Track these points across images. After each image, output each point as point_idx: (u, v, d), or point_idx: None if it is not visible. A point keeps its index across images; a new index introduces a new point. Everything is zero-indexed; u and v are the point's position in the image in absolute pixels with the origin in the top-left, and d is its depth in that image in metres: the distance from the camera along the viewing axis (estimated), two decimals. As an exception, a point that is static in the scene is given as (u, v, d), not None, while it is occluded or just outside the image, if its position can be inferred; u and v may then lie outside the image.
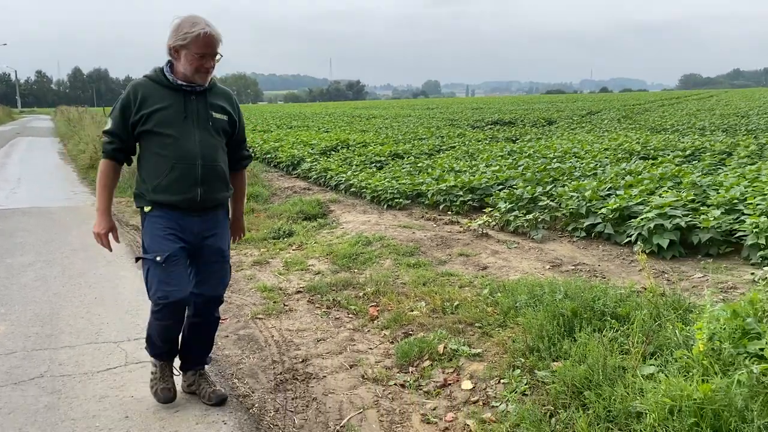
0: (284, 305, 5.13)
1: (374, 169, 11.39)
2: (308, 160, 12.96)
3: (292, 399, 3.58)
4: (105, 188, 3.10)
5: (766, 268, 5.12)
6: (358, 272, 5.96)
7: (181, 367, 3.46)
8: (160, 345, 3.25)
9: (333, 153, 14.05)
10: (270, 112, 45.93)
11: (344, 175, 10.67)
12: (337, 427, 3.27)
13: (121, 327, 4.51)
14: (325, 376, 3.85)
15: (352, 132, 20.18)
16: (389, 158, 12.79)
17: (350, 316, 4.90)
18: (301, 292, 5.48)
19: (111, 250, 3.27)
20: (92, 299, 5.14)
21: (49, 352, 4.05)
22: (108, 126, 3.03)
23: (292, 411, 3.44)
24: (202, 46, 2.85)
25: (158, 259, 2.93)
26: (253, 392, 3.64)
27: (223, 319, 4.81)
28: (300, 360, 4.09)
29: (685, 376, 3.09)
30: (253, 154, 15.13)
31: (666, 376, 3.14)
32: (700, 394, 2.82)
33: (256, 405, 3.47)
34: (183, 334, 3.31)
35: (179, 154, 2.94)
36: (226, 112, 3.14)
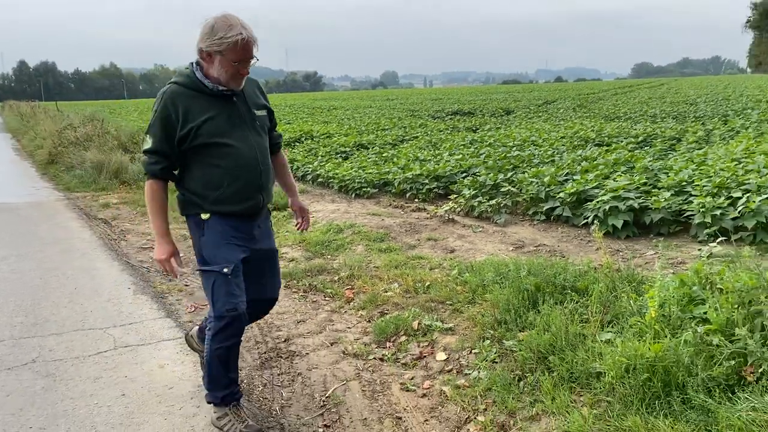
0: (262, 290, 5.31)
1: (340, 160, 11.59)
2: (273, 151, 13.08)
3: (278, 375, 3.80)
4: (160, 211, 2.83)
5: (711, 244, 5.53)
6: (332, 258, 6.18)
7: None
8: (228, 378, 2.99)
9: (297, 144, 14.19)
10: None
11: (311, 166, 10.85)
12: (323, 398, 3.51)
13: (106, 315, 4.65)
14: (307, 354, 4.08)
15: (315, 123, 20.30)
16: (354, 148, 13.01)
17: (327, 299, 5.13)
18: (277, 278, 5.67)
19: (177, 276, 3.02)
20: (72, 290, 5.24)
21: (38, 340, 4.18)
22: (149, 145, 2.76)
23: (279, 385, 3.67)
24: (240, 52, 2.64)
25: (225, 270, 2.76)
26: (240, 370, 3.83)
27: (203, 305, 4.99)
28: (282, 340, 4.30)
29: (639, 339, 3.43)
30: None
31: (622, 340, 3.48)
32: (652, 353, 3.15)
33: (245, 381, 3.69)
34: None
35: (241, 163, 2.78)
36: (264, 105, 3.01)
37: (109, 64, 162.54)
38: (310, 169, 10.69)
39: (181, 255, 2.96)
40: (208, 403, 3.06)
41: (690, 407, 2.94)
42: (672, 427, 2.84)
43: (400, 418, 3.29)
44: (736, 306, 3.20)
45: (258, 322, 4.62)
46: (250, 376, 3.76)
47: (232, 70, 2.68)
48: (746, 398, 2.81)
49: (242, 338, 4.28)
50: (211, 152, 2.74)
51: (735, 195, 6.17)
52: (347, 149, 12.81)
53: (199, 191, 2.80)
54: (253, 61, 2.72)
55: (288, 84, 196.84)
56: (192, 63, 2.78)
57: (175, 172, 2.88)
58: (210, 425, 3.11)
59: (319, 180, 10.22)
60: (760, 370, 2.94)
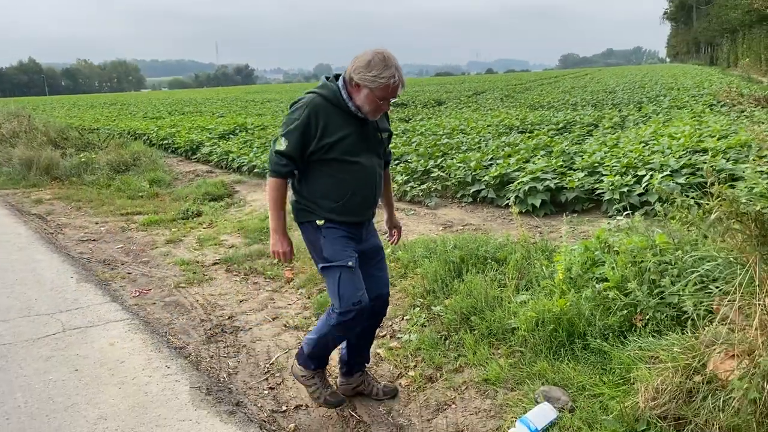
0: (204, 275, 5.53)
1: (275, 151, 11.75)
2: (207, 144, 13.11)
3: (224, 347, 4.06)
4: (280, 207, 2.99)
5: (618, 217, 6.11)
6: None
7: (346, 373, 3.40)
8: (328, 354, 3.23)
9: (232, 136, 14.24)
10: (157, 98, 44.51)
11: (246, 157, 10.99)
12: (267, 365, 3.80)
13: (51, 302, 4.76)
14: (251, 328, 4.35)
15: (249, 116, 20.29)
16: (288, 140, 13.18)
17: (267, 280, 5.39)
18: (217, 263, 5.90)
19: (293, 268, 3.14)
20: (13, 281, 5.30)
21: (-17, 328, 4.28)
22: (283, 147, 2.84)
23: (225, 357, 3.93)
24: (388, 93, 2.73)
25: (350, 264, 2.90)
26: (187, 345, 4.08)
27: (147, 290, 5.17)
28: (226, 317, 4.56)
29: (549, 298, 3.88)
30: (151, 141, 15.07)
31: (534, 300, 3.92)
32: (558, 308, 3.60)
33: (192, 354, 3.93)
34: (351, 341, 3.30)
35: (363, 183, 2.94)
36: (387, 129, 3.12)
37: (27, 59, 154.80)
38: (246, 160, 10.84)
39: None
40: (299, 365, 3.25)
41: (590, 351, 3.40)
42: (575, 369, 3.29)
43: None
44: (628, 264, 3.69)
45: (201, 303, 4.85)
46: (197, 349, 4.00)
47: (375, 105, 2.78)
48: (635, 341, 3.29)
49: (189, 317, 4.54)
50: (339, 167, 2.87)
51: (641, 173, 6.78)
52: (282, 140, 12.98)
53: (317, 200, 2.94)
54: (394, 101, 2.86)
55: (219, 78, 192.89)
56: (337, 79, 2.88)
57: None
58: (164, 390, 3.37)
59: (255, 171, 10.38)
60: (647, 317, 3.43)
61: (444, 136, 11.47)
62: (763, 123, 9.61)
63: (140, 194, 9.50)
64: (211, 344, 4.11)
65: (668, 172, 6.54)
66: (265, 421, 3.17)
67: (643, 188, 6.43)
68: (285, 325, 4.37)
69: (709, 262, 3.19)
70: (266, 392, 3.50)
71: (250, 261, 5.86)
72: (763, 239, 2.50)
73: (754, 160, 6.60)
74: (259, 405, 3.35)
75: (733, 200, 2.48)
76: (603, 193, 6.75)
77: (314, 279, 5.20)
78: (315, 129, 2.80)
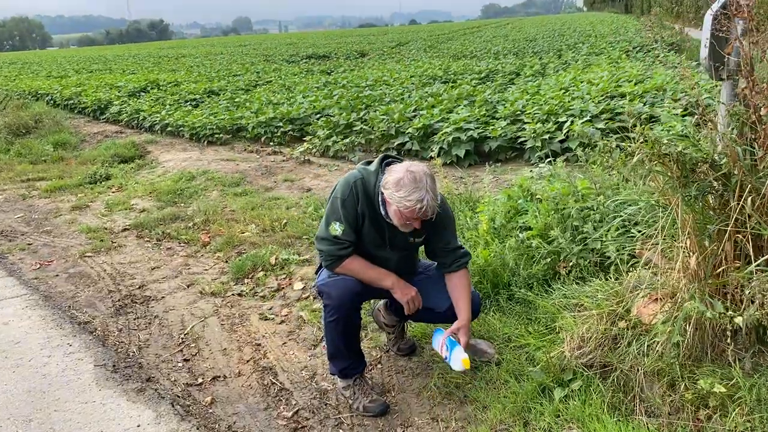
0: (112, 242, 5.16)
1: (190, 108, 11.18)
2: (116, 103, 12.32)
3: (134, 319, 3.78)
4: (372, 267, 2.79)
5: (541, 165, 6.11)
6: (185, 206, 6.08)
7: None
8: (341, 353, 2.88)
9: (143, 94, 13.44)
10: (64, 57, 41.60)
11: (158, 116, 10.38)
12: (181, 336, 3.56)
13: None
14: (163, 297, 4.07)
15: (162, 72, 19.24)
16: (204, 96, 12.57)
17: (182, 245, 5.08)
18: (128, 229, 5.52)
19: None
20: None
21: None
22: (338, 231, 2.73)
23: (135, 329, 3.65)
24: (414, 215, 2.55)
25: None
26: (93, 318, 3.77)
27: (49, 262, 4.78)
28: (137, 286, 4.25)
29: (473, 250, 3.79)
30: (55, 101, 14.03)
31: (459, 253, 3.82)
32: (482, 260, 3.51)
33: (99, 328, 3.63)
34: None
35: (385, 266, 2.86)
36: (422, 235, 2.86)
37: None
38: (158, 119, 10.23)
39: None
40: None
41: (515, 302, 3.34)
42: (500, 321, 3.23)
43: (259, 344, 3.43)
44: (551, 212, 3.62)
45: (109, 272, 4.52)
46: (105, 323, 3.71)
47: (403, 222, 2.62)
48: (559, 288, 3.24)
49: (95, 288, 4.22)
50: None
51: (561, 120, 6.79)
52: (197, 97, 12.36)
53: None
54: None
55: (132, 34, 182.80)
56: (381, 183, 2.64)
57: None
58: (65, 370, 3.09)
59: (169, 129, 9.83)
60: (570, 264, 3.38)
61: (367, 88, 11.20)
62: (676, 66, 9.84)
63: (43, 159, 8.82)
64: (119, 317, 3.82)
65: (588, 118, 6.57)
66: (179, 396, 2.95)
67: (564, 135, 6.43)
68: (201, 292, 4.11)
69: (631, 206, 3.16)
70: (180, 365, 3.27)
71: (163, 225, 5.51)
72: (684, 181, 2.44)
73: (669, 103, 6.71)
74: (173, 379, 3.12)
75: (655, 141, 2.39)
76: (525, 141, 6.72)
77: (232, 241, 4.94)
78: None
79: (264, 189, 6.48)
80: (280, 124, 8.94)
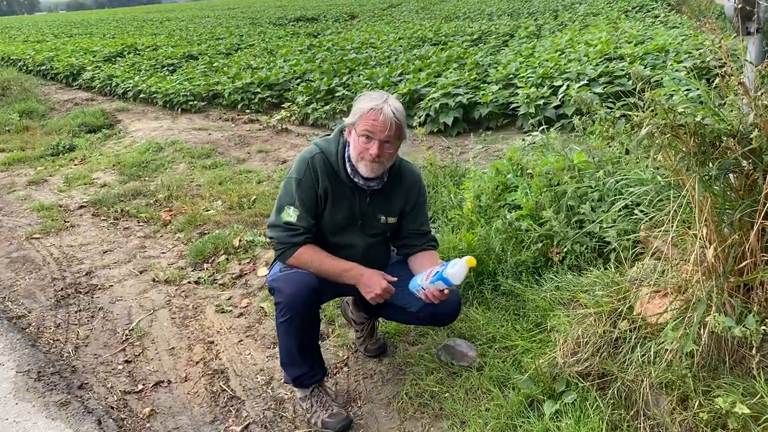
0: (65, 222, 4.72)
1: (166, 73, 10.61)
2: (90, 68, 11.70)
3: (76, 312, 3.37)
4: (331, 257, 2.35)
5: (534, 134, 5.65)
6: (149, 180, 5.62)
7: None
8: (294, 359, 2.44)
9: (119, 59, 12.81)
10: (46, 21, 40.39)
11: (132, 81, 9.82)
12: (126, 332, 3.15)
13: None
14: (111, 286, 3.65)
15: (142, 36, 18.50)
16: (183, 60, 11.96)
17: (141, 224, 4.65)
18: (84, 206, 5.07)
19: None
20: None
21: None
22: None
23: (75, 324, 3.24)
24: (371, 126, 2.19)
25: None
26: (29, 312, 3.36)
27: (-8, 245, 4.34)
28: (84, 273, 3.83)
29: (457, 231, 3.37)
30: (27, 67, 13.38)
31: (441, 234, 3.40)
32: (465, 244, 3.09)
33: (33, 324, 3.23)
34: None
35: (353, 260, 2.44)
36: (395, 213, 2.50)
37: None
38: (131, 85, 9.67)
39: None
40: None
41: (501, 294, 2.93)
42: (484, 315, 2.82)
43: (212, 342, 3.03)
44: (543, 189, 3.19)
45: (56, 257, 4.09)
46: (41, 317, 3.29)
47: (361, 148, 2.23)
48: (551, 278, 2.83)
49: (38, 275, 3.81)
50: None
51: (557, 84, 6.31)
52: (175, 61, 11.76)
53: None
54: (388, 147, 2.25)
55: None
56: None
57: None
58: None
59: (142, 96, 9.28)
60: (564, 250, 2.97)
61: (352, 51, 10.63)
62: (677, 27, 9.31)
63: (7, 128, 8.29)
64: (59, 309, 3.40)
65: (585, 81, 6.10)
66: (112, 408, 2.56)
67: (560, 100, 5.97)
68: (153, 280, 3.70)
69: (635, 186, 2.72)
70: (121, 367, 2.87)
71: (123, 202, 5.06)
72: (703, 157, 2.01)
73: (672, 65, 6.22)
74: (109, 385, 2.72)
75: (669, 110, 1.96)
76: (518, 107, 6.25)
77: (195, 220, 4.50)
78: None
79: (236, 161, 6.02)
80: (258, 90, 8.42)
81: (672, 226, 2.17)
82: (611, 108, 2.19)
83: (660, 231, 2.32)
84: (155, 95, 8.98)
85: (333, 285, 2.38)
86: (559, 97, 5.97)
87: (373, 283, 2.29)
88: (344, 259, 2.36)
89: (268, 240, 2.45)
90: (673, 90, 5.14)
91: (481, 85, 6.93)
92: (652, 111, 2.01)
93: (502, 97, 6.50)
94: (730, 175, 2.05)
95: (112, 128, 7.95)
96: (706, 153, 2.03)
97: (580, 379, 2.24)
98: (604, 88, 5.93)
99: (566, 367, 2.28)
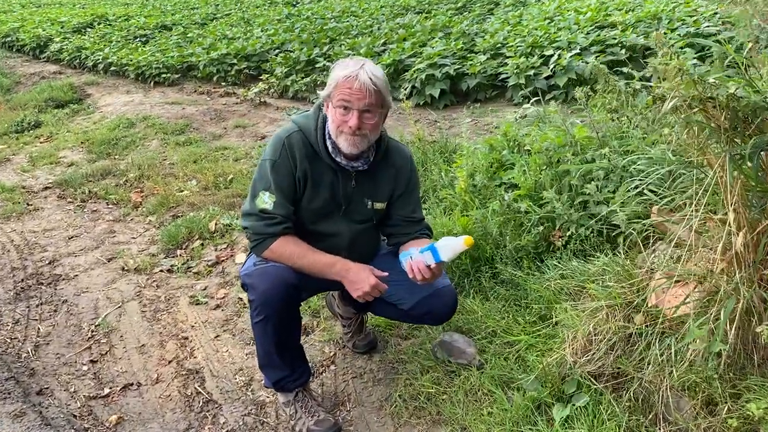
0: (28, 205, 4.40)
1: (138, 44, 10.13)
2: (58, 39, 11.16)
3: (37, 306, 3.10)
4: (312, 250, 2.09)
5: (525, 106, 5.40)
6: (120, 158, 5.30)
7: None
8: (273, 361, 2.19)
9: (89, 30, 12.24)
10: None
11: (102, 53, 9.35)
12: (92, 328, 2.89)
13: None
14: (77, 275, 3.38)
15: (114, 5, 17.78)
16: (156, 31, 11.45)
17: (110, 206, 4.35)
18: (49, 188, 4.75)
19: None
20: None
21: None
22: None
23: (36, 319, 2.98)
24: (347, 94, 1.95)
25: None
26: (-15, 308, 3.08)
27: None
28: (47, 262, 3.54)
29: (450, 213, 3.13)
30: None
31: (432, 216, 3.16)
32: (459, 227, 2.85)
33: (-10, 321, 2.95)
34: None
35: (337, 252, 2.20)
36: (384, 199, 2.25)
37: None
38: (102, 57, 9.21)
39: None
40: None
41: (500, 283, 2.71)
42: (482, 307, 2.60)
43: (187, 338, 2.79)
44: (543, 167, 2.96)
45: (17, 244, 3.79)
46: (-2, 313, 3.02)
47: (342, 120, 1.99)
48: (555, 265, 2.61)
49: (-9, 267, 3.51)
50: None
51: (547, 53, 6.04)
52: (147, 32, 11.24)
53: None
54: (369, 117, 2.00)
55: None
56: None
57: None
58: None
59: (113, 69, 8.84)
60: (567, 234, 2.74)
61: (332, 20, 10.22)
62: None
63: (-31, 104, 7.86)
64: (19, 303, 3.13)
65: (577, 51, 5.83)
66: (74, 417, 2.31)
67: (551, 70, 5.70)
68: (123, 269, 3.42)
69: (646, 164, 2.49)
70: (86, 368, 2.62)
71: (92, 183, 4.75)
72: (734, 134, 1.78)
73: (665, 33, 5.98)
74: (72, 389, 2.48)
75: (699, 80, 1.72)
76: (507, 77, 5.98)
77: (168, 202, 4.22)
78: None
79: (212, 137, 5.70)
80: (234, 61, 8.03)
81: (694, 210, 1.95)
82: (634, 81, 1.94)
83: (679, 215, 2.10)
84: (127, 68, 8.55)
85: (314, 280, 2.12)
86: (551, 67, 5.71)
87: (361, 279, 2.03)
88: (328, 249, 2.11)
89: (242, 229, 2.18)
90: (669, 59, 4.92)
91: (469, 55, 6.63)
92: (677, 81, 1.77)
93: (490, 68, 6.21)
94: (763, 153, 1.83)
95: (81, 103, 7.54)
96: (737, 129, 1.81)
97: (593, 380, 2.03)
98: (597, 57, 5.67)
99: (577, 366, 2.07)
